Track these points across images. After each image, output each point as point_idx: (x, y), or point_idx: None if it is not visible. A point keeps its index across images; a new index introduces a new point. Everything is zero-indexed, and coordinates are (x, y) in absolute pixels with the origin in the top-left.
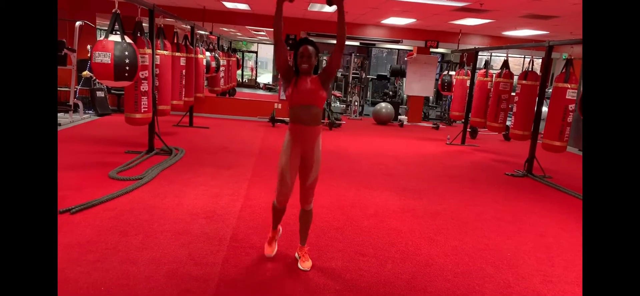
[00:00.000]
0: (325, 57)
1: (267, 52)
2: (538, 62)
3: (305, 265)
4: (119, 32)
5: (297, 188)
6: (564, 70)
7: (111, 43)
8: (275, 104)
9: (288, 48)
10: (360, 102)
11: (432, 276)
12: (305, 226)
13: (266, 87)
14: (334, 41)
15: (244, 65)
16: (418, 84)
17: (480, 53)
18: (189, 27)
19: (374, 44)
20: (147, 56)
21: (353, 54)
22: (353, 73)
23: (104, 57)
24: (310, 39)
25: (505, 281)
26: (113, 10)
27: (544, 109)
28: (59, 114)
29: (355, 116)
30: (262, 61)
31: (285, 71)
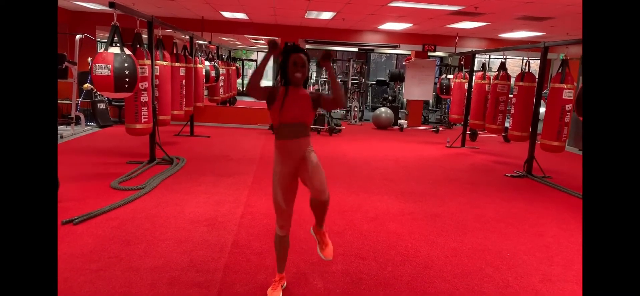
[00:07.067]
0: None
1: None
2: (536, 63)
3: (326, 251)
4: (118, 44)
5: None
6: (560, 70)
7: (111, 55)
8: None
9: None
10: (360, 107)
11: (431, 277)
12: (320, 213)
13: None
14: (332, 47)
15: (244, 73)
16: (417, 88)
17: (477, 56)
18: (188, 37)
19: (373, 50)
20: (146, 67)
21: (352, 60)
22: (352, 79)
23: (104, 70)
24: (300, 47)
25: (505, 280)
26: (112, 23)
27: (542, 109)
28: (61, 127)
29: (355, 122)
30: None
31: (267, 95)
